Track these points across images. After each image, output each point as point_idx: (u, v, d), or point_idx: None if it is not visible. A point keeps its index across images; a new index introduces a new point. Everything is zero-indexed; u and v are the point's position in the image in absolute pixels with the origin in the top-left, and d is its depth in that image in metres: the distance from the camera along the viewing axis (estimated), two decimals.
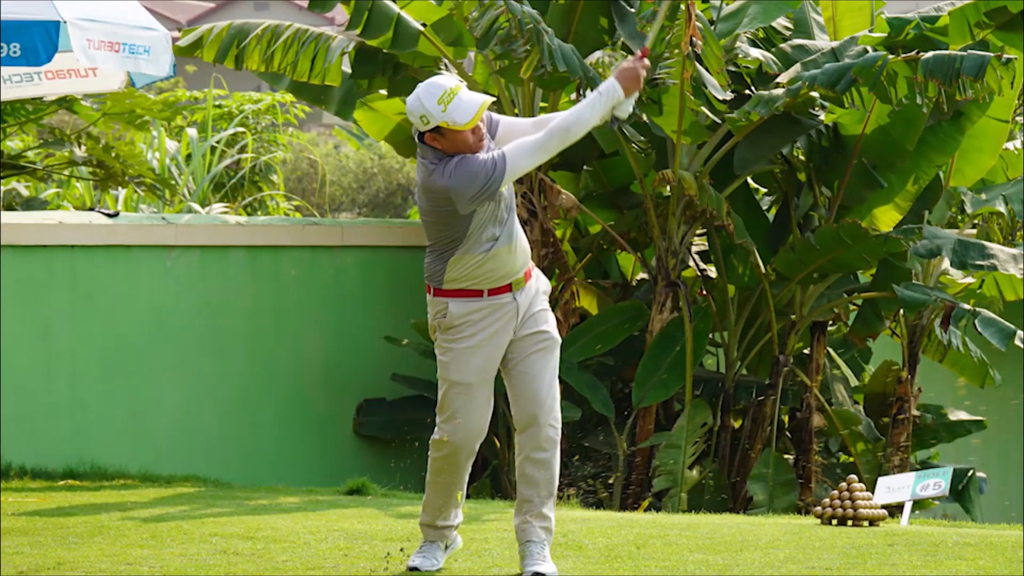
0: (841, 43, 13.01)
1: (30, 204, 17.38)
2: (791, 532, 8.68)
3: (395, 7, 12.70)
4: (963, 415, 14.83)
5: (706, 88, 12.01)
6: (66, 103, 15.27)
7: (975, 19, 12.31)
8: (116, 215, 12.70)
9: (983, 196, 13.36)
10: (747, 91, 13.11)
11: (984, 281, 14.38)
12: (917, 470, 13.73)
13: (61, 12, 8.69)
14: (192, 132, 19.19)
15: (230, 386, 12.98)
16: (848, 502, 9.07)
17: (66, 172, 16.71)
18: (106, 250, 12.50)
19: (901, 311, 13.52)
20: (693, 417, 12.83)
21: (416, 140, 6.82)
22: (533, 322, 6.95)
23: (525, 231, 11.35)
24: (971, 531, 8.95)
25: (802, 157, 13.18)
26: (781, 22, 13.62)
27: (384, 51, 12.73)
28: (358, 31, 12.54)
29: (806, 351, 13.89)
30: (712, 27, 12.59)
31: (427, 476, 7.10)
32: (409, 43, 12.57)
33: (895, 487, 9.80)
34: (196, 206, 17.68)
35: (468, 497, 11.80)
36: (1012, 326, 12.29)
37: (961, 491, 14.45)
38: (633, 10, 12.55)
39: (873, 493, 9.57)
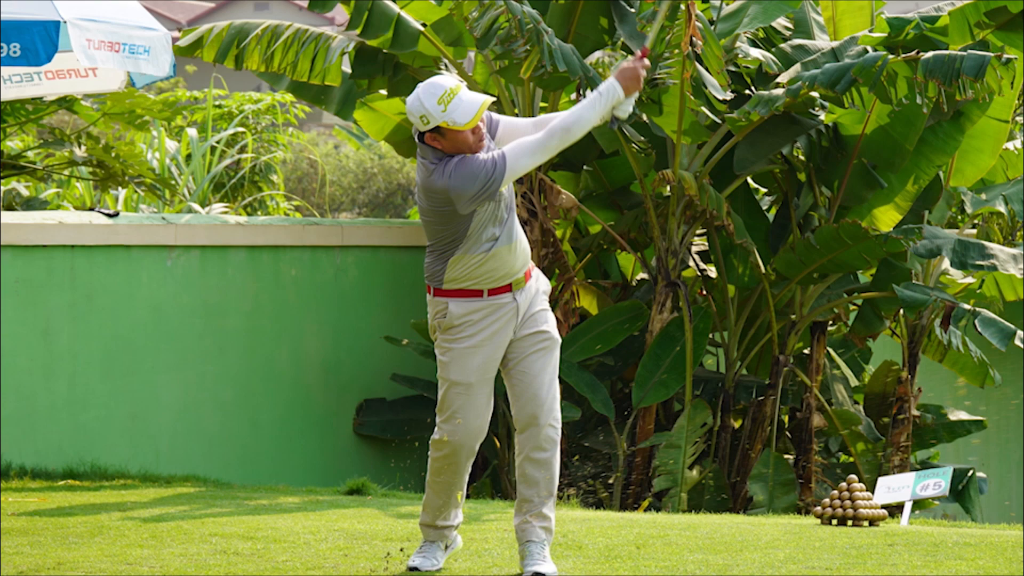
0: (841, 43, 13.02)
1: (30, 204, 17.37)
2: (791, 532, 8.68)
3: (395, 7, 12.70)
4: (963, 415, 14.84)
5: (706, 88, 12.01)
6: (66, 103, 15.27)
7: (975, 19, 12.32)
8: (116, 215, 12.70)
9: (983, 196, 13.37)
10: (747, 91, 13.11)
11: (984, 281, 14.39)
12: (917, 470, 13.74)
13: (61, 12, 8.69)
14: (192, 132, 19.19)
15: (230, 386, 12.99)
16: (848, 502, 9.07)
17: (66, 172, 16.71)
18: (106, 250, 12.50)
19: (901, 311, 13.52)
20: (693, 417, 12.83)
21: (416, 140, 6.82)
22: (533, 322, 6.96)
23: (525, 231, 11.35)
24: (971, 531, 8.95)
25: (802, 157, 13.18)
26: (781, 22, 13.62)
27: (384, 51, 12.74)
28: (358, 31, 12.54)
29: (806, 351, 13.90)
30: (712, 27, 12.60)
31: (427, 476, 7.10)
32: (409, 43, 12.58)
33: (895, 487, 9.81)
34: (196, 206, 17.68)
35: (468, 497, 11.80)
36: (1012, 326, 12.30)
37: (961, 491, 14.46)
38: (633, 10, 12.55)
39: (873, 493, 9.58)
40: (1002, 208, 13.12)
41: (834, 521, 9.14)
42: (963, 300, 13.79)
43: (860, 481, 9.38)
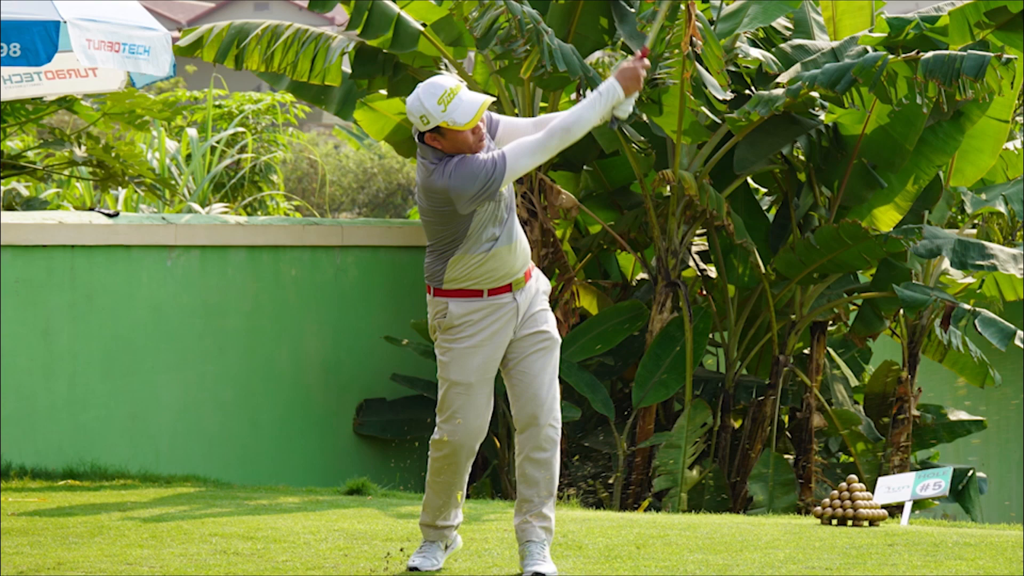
0: (841, 43, 13.02)
1: (30, 204, 17.37)
2: (791, 532, 8.68)
3: (395, 7, 12.70)
4: (963, 415, 14.84)
5: (706, 88, 12.01)
6: (66, 103, 15.27)
7: (975, 19, 12.32)
8: (116, 215, 12.70)
9: (983, 196, 13.37)
10: (747, 91, 13.12)
11: (984, 281, 14.40)
12: (917, 470, 13.74)
13: (61, 12, 8.69)
14: (192, 132, 19.20)
15: (230, 386, 12.99)
16: (848, 502, 9.07)
17: (66, 172, 16.71)
18: (106, 250, 12.50)
19: (901, 311, 13.52)
20: (693, 417, 12.83)
21: (416, 140, 6.82)
22: (533, 322, 6.96)
23: (525, 231, 11.35)
24: (971, 531, 8.95)
25: (802, 157, 13.18)
26: (781, 22, 13.62)
27: (384, 51, 12.74)
28: (358, 31, 12.54)
29: (806, 351, 13.90)
30: (712, 27, 12.60)
31: (427, 476, 7.10)
32: (409, 43, 12.58)
33: (895, 487, 9.81)
34: (196, 206, 17.68)
35: (468, 497, 11.80)
36: (1012, 326, 12.30)
37: (961, 491, 14.46)
38: (633, 10, 12.55)
39: (873, 493, 9.58)
40: (1002, 208, 13.13)
41: (834, 521, 9.14)
42: (963, 300, 13.79)
43: (860, 481, 9.38)
